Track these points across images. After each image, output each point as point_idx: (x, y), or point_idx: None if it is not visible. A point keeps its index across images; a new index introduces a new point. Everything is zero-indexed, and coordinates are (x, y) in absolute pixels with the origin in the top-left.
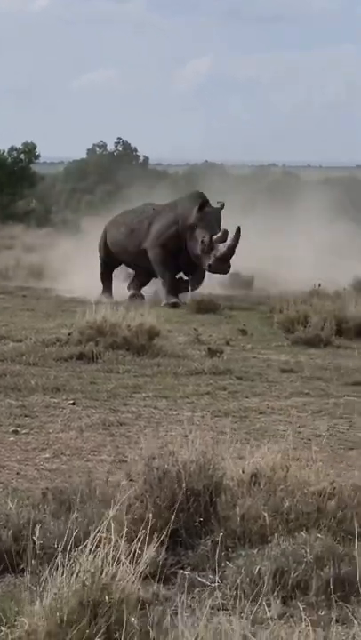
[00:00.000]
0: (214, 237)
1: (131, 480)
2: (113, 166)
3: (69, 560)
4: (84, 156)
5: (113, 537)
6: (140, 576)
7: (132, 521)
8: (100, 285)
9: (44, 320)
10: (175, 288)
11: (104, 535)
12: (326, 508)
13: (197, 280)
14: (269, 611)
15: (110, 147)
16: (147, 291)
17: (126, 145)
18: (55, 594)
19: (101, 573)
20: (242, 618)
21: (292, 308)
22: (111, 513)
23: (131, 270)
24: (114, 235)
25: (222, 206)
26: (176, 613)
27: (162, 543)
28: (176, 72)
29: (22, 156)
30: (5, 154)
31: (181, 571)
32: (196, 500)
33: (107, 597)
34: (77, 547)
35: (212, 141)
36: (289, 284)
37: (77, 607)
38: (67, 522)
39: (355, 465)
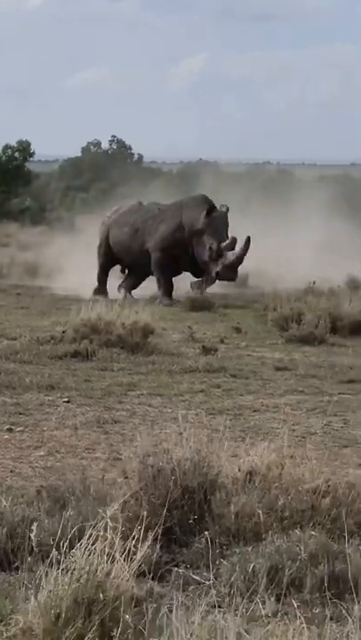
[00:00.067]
0: (223, 245)
1: (125, 478)
2: (107, 164)
3: (65, 556)
4: (79, 154)
5: (109, 535)
6: (135, 574)
7: (126, 518)
8: (94, 283)
9: (39, 318)
10: (170, 290)
11: (101, 533)
12: (321, 505)
13: (208, 284)
14: (264, 608)
15: (105, 145)
16: (137, 293)
17: (120, 143)
18: (50, 591)
19: (96, 571)
20: (236, 615)
21: (286, 305)
22: (108, 512)
23: (120, 270)
24: (117, 234)
25: (228, 210)
26: (171, 611)
27: (156, 541)
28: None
29: (17, 154)
30: (0, 152)
31: (176, 568)
32: (191, 497)
33: (101, 595)
34: (72, 544)
35: (206, 139)
36: (284, 281)
37: (72, 605)
38: (61, 519)
39: (349, 462)
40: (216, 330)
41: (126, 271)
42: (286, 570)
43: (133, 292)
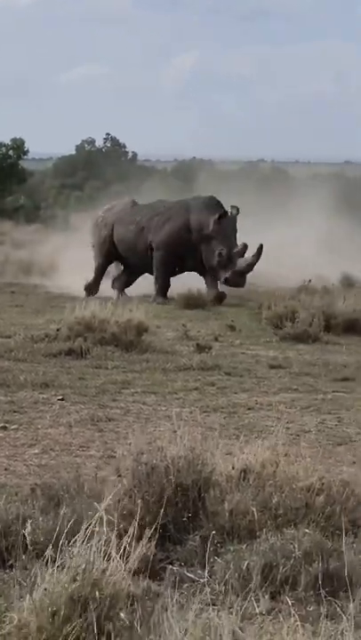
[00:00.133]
0: (233, 252)
1: (119, 475)
2: (101, 162)
3: (60, 554)
4: (73, 152)
5: (105, 532)
6: (131, 571)
7: (120, 516)
8: (90, 281)
9: (33, 316)
10: (166, 289)
11: (96, 529)
12: (315, 503)
13: (214, 287)
14: (258, 606)
15: (99, 143)
16: (130, 290)
17: (115, 141)
18: (45, 589)
19: (92, 568)
20: (231, 613)
21: (280, 303)
22: (102, 508)
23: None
24: (122, 232)
25: (238, 211)
26: (166, 609)
27: (151, 538)
28: (164, 68)
29: (11, 152)
30: None
31: (170, 566)
32: (185, 495)
33: (97, 592)
34: (67, 542)
35: (200, 137)
36: (279, 279)
37: (68, 602)
38: (56, 517)
39: (343, 460)
40: (210, 328)
41: (122, 268)
42: (281, 567)
43: (127, 290)
